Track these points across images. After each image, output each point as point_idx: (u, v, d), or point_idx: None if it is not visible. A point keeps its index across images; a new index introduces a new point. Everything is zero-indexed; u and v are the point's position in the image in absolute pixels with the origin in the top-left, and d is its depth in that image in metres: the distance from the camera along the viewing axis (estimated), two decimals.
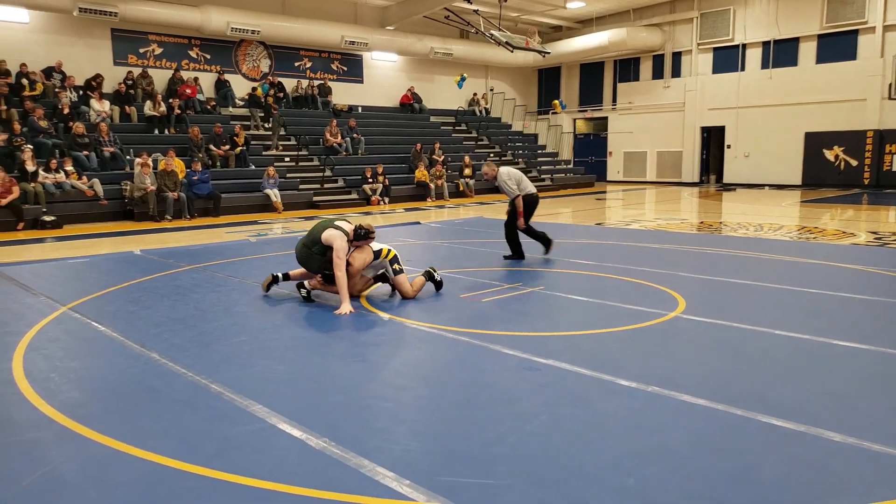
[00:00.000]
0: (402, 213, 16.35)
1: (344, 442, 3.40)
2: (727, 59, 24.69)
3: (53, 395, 4.10)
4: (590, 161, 28.97)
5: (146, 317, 6.05)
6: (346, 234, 6.36)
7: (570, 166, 27.30)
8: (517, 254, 9.03)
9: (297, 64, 22.85)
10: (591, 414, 3.76)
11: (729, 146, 25.07)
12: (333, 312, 6.12)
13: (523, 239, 9.08)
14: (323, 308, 6.35)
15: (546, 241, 9.15)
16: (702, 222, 13.88)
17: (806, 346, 5.01)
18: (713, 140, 26.15)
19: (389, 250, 6.62)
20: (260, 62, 22.01)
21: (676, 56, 26.08)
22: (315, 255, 6.43)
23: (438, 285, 6.94)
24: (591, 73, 28.97)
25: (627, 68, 27.70)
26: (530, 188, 8.92)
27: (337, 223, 6.49)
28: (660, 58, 26.52)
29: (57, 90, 16.54)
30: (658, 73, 26.71)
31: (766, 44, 23.63)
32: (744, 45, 24.17)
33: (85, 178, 14.15)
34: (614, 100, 28.22)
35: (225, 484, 3.01)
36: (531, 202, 8.93)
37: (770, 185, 23.58)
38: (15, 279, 7.80)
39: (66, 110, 15.76)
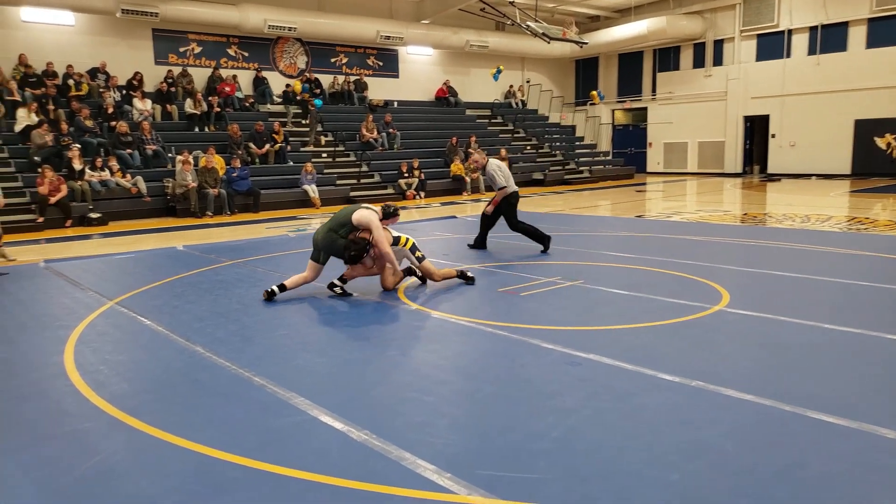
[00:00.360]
0: (437, 207, 16.36)
1: (385, 435, 3.42)
2: (772, 45, 24.10)
3: (103, 387, 4.20)
4: (629, 152, 28.60)
5: (190, 311, 6.17)
6: (377, 213, 6.56)
7: (609, 158, 27.01)
8: (480, 243, 9.37)
9: (333, 60, 23.01)
10: (634, 408, 3.72)
11: (773, 135, 24.49)
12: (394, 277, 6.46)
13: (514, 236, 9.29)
14: (362, 303, 6.40)
15: (543, 239, 9.08)
16: (745, 214, 13.61)
17: (856, 340, 4.87)
18: (757, 129, 25.58)
19: (408, 239, 6.72)
20: (297, 59, 22.21)
21: (718, 44, 25.55)
22: (340, 237, 6.46)
23: (471, 280, 7.02)
24: (629, 62, 28.57)
25: (667, 57, 27.24)
26: (514, 186, 9.12)
27: (363, 205, 6.61)
28: (701, 46, 26.02)
29: (101, 90, 16.93)
30: (699, 62, 26.21)
31: (812, 29, 23.00)
32: (789, 31, 23.57)
33: (129, 176, 14.47)
34: (654, 90, 27.79)
35: (268, 475, 3.05)
36: (515, 201, 9.13)
37: (817, 175, 22.98)
38: (65, 274, 8.01)
39: (111, 110, 16.13)
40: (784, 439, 3.30)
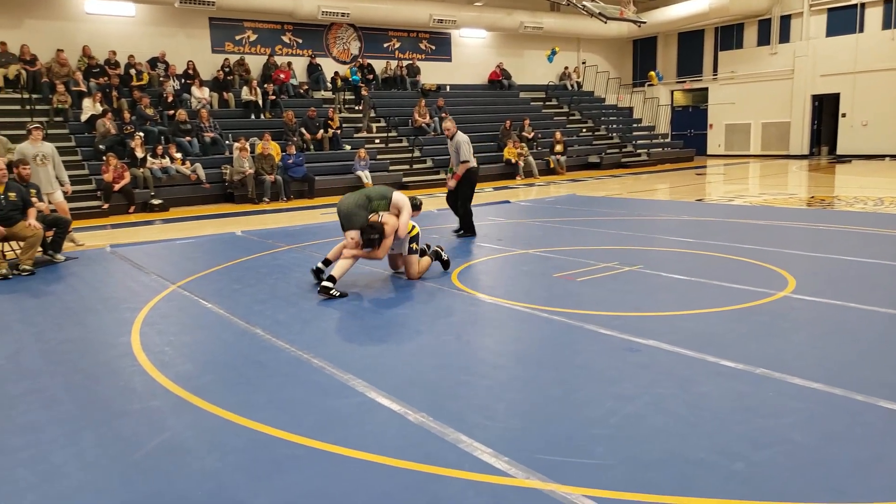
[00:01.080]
0: (490, 192, 16.27)
1: (442, 417, 3.42)
2: (843, 20, 23.04)
3: (168, 367, 4.32)
4: (688, 134, 27.87)
5: (250, 294, 6.29)
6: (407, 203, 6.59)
7: (668, 140, 26.35)
8: (469, 230, 9.18)
9: (385, 45, 23.04)
10: (695, 396, 3.63)
11: (844, 115, 23.47)
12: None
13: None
14: (418, 288, 6.41)
15: (470, 228, 9.11)
16: (812, 197, 13.13)
17: None
18: (825, 109, 24.58)
19: (414, 226, 6.63)
20: (350, 45, 22.32)
21: (785, 20, 24.58)
22: (363, 212, 6.32)
23: (446, 265, 6.95)
24: (689, 41, 27.77)
25: (730, 35, 26.36)
26: (475, 163, 9.13)
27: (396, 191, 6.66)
28: (766, 22, 25.07)
29: (161, 79, 17.34)
30: (764, 40, 25.28)
31: (888, 2, 21.87)
32: (862, 5, 22.48)
33: (188, 163, 14.82)
34: (715, 69, 26.97)
35: (327, 454, 3.09)
36: (476, 178, 9.18)
37: (891, 156, 21.96)
38: (129, 259, 8.27)
39: (170, 98, 16.52)
40: (857, 430, 3.17)
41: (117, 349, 4.77)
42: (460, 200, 9.12)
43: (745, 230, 9.10)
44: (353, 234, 6.29)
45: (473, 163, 9.01)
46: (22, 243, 7.70)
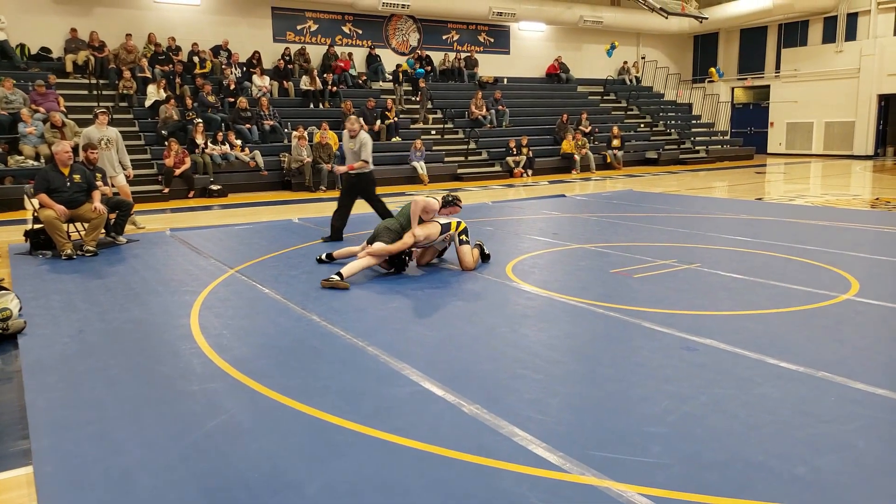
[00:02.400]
0: (545, 185, 16.15)
1: (496, 410, 3.42)
2: None
3: (226, 350, 4.43)
4: (748, 132, 27.15)
5: (306, 281, 6.38)
6: (437, 201, 6.59)
7: (727, 138, 25.73)
8: (337, 234, 8.57)
9: (444, 37, 23.04)
10: (754, 398, 3.55)
11: None
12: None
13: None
14: (472, 280, 6.41)
15: (337, 236, 8.55)
16: (877, 199, 12.66)
17: None
18: (892, 109, 23.64)
19: (460, 222, 6.66)
20: (409, 36, 22.40)
21: (852, 17, 23.72)
22: (395, 232, 6.54)
23: (486, 258, 7.00)
24: (751, 38, 27.02)
25: (794, 32, 25.56)
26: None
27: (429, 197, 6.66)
28: (832, 20, 24.23)
29: (224, 67, 17.71)
30: (829, 37, 24.44)
31: None
32: None
33: (247, 150, 15.10)
34: (777, 66, 26.18)
35: (382, 442, 3.12)
36: (374, 180, 8.73)
37: None
38: (189, 243, 8.49)
39: (232, 86, 16.85)
40: None
41: (177, 331, 4.90)
42: (374, 203, 8.70)
43: (806, 231, 8.83)
44: (378, 247, 6.44)
45: (371, 166, 8.51)
46: (86, 225, 7.98)
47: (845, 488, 2.68)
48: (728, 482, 2.73)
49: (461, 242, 6.64)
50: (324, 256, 7.18)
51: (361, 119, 8.93)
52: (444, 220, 6.62)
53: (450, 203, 6.76)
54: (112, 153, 9.45)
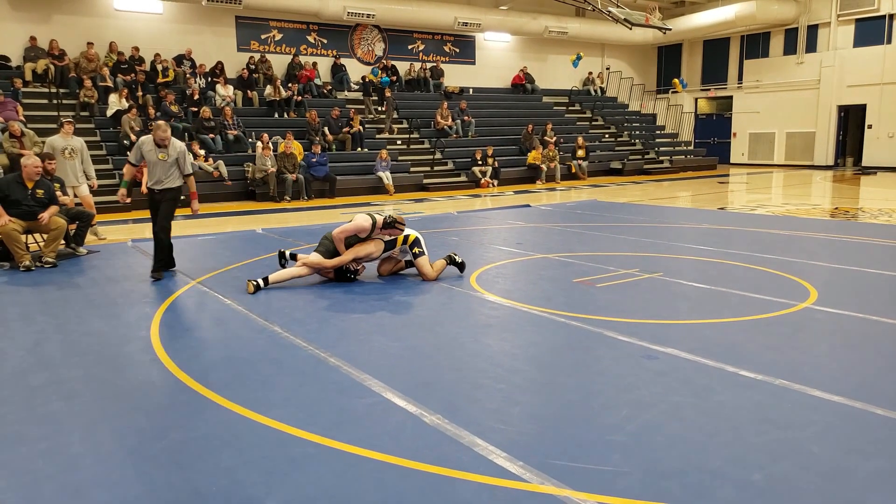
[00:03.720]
0: (511, 195, 16.24)
1: (457, 420, 3.41)
2: (871, 31, 22.76)
3: (187, 363, 4.36)
4: (712, 142, 27.67)
5: (269, 292, 6.31)
6: (375, 221, 6.51)
7: (691, 148, 26.16)
8: (167, 262, 7.22)
9: (410, 47, 23.10)
10: (713, 405, 3.60)
11: (870, 126, 23.16)
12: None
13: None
14: (435, 290, 6.41)
15: (164, 263, 7.14)
16: (836, 208, 12.97)
17: None
18: (851, 120, 24.28)
19: (408, 236, 6.64)
20: (374, 46, 22.41)
21: (812, 29, 24.33)
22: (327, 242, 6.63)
23: (461, 267, 6.90)
24: (715, 49, 27.57)
25: (756, 44, 26.14)
26: None
27: (372, 213, 6.68)
28: (793, 32, 24.83)
29: (187, 76, 17.51)
30: (791, 49, 25.04)
31: None
32: (891, 16, 22.18)
33: (211, 160, 14.93)
34: (740, 78, 26.75)
35: (342, 453, 3.09)
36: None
37: None
38: (150, 254, 8.32)
39: (196, 96, 16.66)
40: (877, 444, 3.13)
41: (137, 343, 4.82)
42: (165, 221, 7.08)
43: (768, 240, 9.00)
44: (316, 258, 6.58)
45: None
46: (45, 236, 7.81)
47: (801, 494, 2.73)
48: (686, 489, 2.76)
49: (415, 255, 6.66)
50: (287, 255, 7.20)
51: (167, 126, 7.03)
52: (387, 238, 6.64)
53: (389, 225, 6.53)
54: (76, 163, 9.28)
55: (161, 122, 7.05)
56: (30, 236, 8.02)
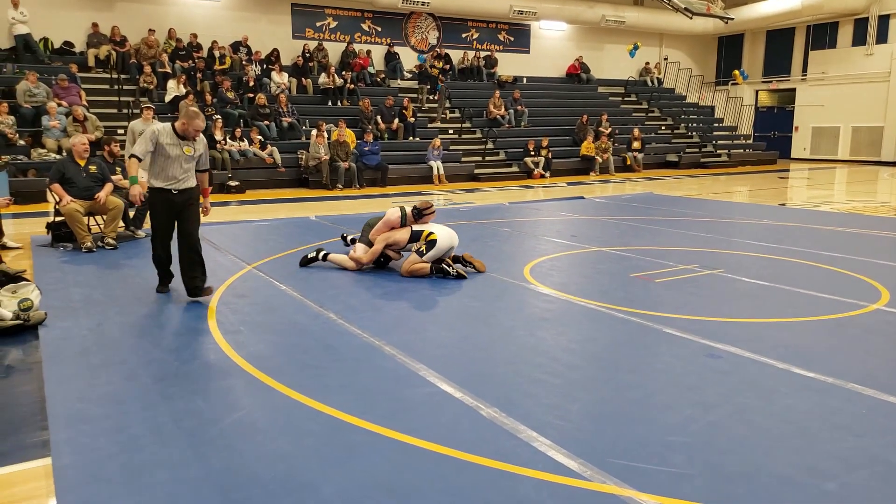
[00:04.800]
0: (564, 187, 16.03)
1: (514, 414, 3.35)
2: None
3: (243, 347, 4.39)
4: (772, 136, 26.80)
5: (323, 278, 6.34)
6: (405, 213, 6.58)
7: (750, 142, 25.44)
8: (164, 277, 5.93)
9: (464, 35, 22.96)
10: (781, 409, 3.45)
11: None
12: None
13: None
14: (490, 281, 6.34)
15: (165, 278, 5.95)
16: None
17: None
18: None
19: (431, 233, 6.40)
20: (428, 34, 22.34)
21: (884, 19, 23.29)
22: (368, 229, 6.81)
23: (449, 275, 6.37)
24: (778, 40, 26.66)
25: (822, 34, 25.18)
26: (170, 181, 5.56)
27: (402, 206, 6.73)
28: (862, 21, 23.81)
29: (243, 63, 17.74)
30: (860, 40, 24.03)
31: None
32: None
33: (268, 146, 15.11)
34: (804, 69, 25.83)
35: (399, 443, 3.06)
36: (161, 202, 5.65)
37: None
38: (206, 238, 8.46)
39: (251, 83, 16.88)
40: None
41: (194, 326, 4.88)
42: (195, 228, 5.71)
43: (833, 238, 8.66)
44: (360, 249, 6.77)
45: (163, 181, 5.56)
46: (104, 217, 8.00)
47: None
48: (754, 496, 2.64)
49: (416, 251, 6.40)
50: (320, 257, 6.95)
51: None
52: (417, 228, 6.56)
53: (418, 215, 6.53)
54: None
55: (196, 110, 5.68)
56: (91, 218, 8.22)
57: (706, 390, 3.68)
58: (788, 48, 26.38)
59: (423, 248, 6.37)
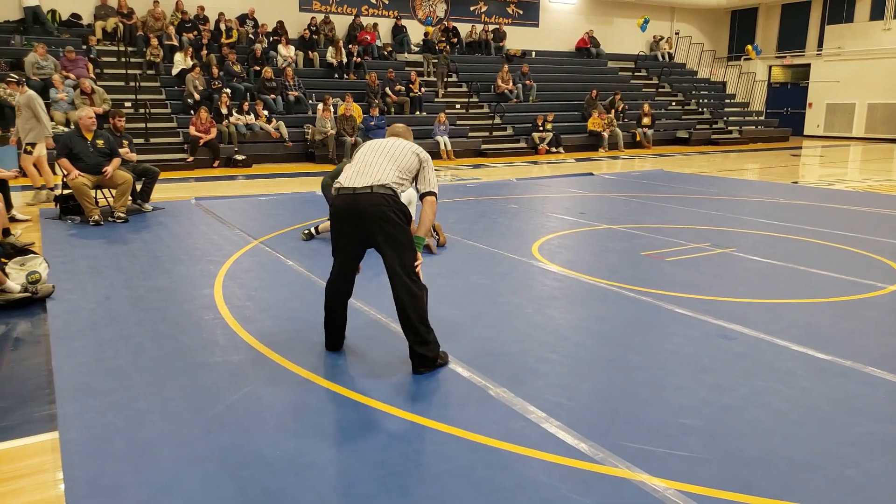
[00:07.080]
0: (572, 163, 15.87)
1: (523, 394, 3.29)
2: None
3: (249, 322, 4.34)
4: (784, 113, 26.42)
5: (329, 254, 6.25)
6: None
7: (762, 118, 25.10)
8: None
9: (472, 8, 22.63)
10: (798, 392, 3.38)
11: None
12: None
13: None
14: (497, 258, 6.26)
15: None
16: None
17: None
18: None
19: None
20: (436, 7, 22.02)
21: None
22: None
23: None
24: (793, 13, 26.18)
25: (839, 8, 24.68)
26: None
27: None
28: None
29: (250, 36, 17.53)
30: (878, 14, 23.55)
31: None
32: None
33: (274, 121, 14.98)
34: (820, 44, 25.38)
35: (406, 422, 3.02)
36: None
37: None
38: (213, 212, 8.42)
39: (258, 55, 16.69)
40: None
41: (201, 301, 4.83)
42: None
43: (848, 217, 8.53)
44: None
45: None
46: (114, 192, 7.94)
47: None
48: (772, 481, 2.58)
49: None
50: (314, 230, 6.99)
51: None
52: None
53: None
54: None
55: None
56: (98, 192, 8.17)
57: (720, 372, 3.61)
58: (804, 22, 25.90)
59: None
